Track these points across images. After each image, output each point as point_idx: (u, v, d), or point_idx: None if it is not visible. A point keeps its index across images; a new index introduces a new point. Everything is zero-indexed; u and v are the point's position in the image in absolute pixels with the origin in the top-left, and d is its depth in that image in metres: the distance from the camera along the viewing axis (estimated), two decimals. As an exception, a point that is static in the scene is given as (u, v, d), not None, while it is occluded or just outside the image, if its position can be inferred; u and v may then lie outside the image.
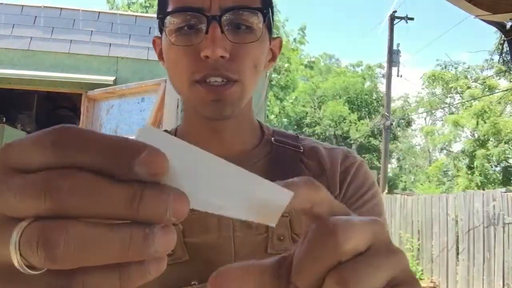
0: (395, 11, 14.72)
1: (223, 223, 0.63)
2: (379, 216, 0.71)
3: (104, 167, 0.24)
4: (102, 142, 0.24)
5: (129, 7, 14.81)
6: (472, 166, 15.11)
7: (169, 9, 0.64)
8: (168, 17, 0.64)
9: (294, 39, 14.11)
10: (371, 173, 0.75)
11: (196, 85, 0.63)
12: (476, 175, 14.69)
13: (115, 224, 0.24)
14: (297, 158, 0.72)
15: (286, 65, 12.83)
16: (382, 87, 21.22)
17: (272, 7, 0.70)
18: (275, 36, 0.75)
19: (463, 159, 16.63)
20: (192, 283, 0.60)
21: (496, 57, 14.28)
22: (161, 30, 0.68)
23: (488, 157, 14.71)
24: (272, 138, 0.74)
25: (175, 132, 0.76)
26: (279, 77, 13.22)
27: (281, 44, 0.77)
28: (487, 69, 17.73)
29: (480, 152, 14.79)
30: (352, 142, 19.57)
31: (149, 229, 0.24)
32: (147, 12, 13.81)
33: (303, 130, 19.68)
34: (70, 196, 0.23)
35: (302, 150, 0.73)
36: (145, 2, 15.31)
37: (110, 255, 0.23)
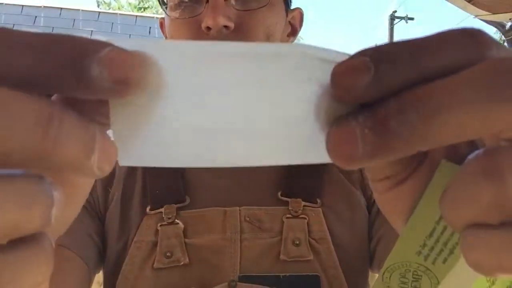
0: (395, 11, 14.73)
1: (229, 223, 0.56)
2: None
3: (34, 77, 0.14)
4: (33, 40, 0.15)
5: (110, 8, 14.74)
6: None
7: None
8: None
9: None
10: None
11: None
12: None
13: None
14: None
15: None
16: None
17: None
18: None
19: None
20: None
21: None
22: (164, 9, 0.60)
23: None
24: None
25: None
26: None
27: (302, 16, 0.66)
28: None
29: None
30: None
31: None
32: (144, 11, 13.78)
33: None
34: None
35: None
36: (139, 3, 15.28)
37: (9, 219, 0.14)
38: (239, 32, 0.53)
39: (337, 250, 0.56)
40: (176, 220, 0.56)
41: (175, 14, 0.55)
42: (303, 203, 0.57)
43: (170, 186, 0.58)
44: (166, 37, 0.63)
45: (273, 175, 0.60)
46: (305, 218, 0.56)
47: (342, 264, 0.55)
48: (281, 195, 0.57)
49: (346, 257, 0.56)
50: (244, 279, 0.53)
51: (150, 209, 0.57)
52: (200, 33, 0.53)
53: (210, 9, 0.52)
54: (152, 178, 0.59)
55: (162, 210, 0.56)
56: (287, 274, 0.53)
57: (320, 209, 0.57)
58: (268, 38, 0.56)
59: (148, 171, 0.60)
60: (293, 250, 0.54)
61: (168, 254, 0.54)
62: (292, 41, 0.66)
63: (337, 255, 0.55)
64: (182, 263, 0.54)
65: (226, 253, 0.54)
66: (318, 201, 0.58)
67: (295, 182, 0.58)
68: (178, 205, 0.57)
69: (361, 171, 0.61)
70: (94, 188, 0.60)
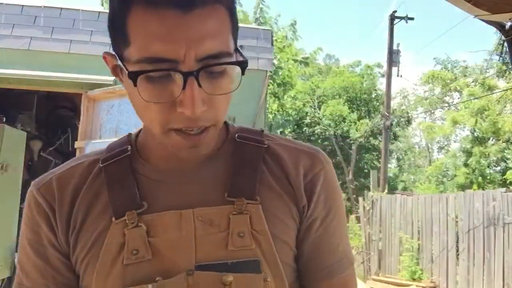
0: (395, 11, 14.71)
1: (184, 223, 0.65)
2: (343, 229, 0.75)
3: None
4: None
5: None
6: (467, 164, 15.23)
7: (132, 50, 0.57)
8: (133, 59, 0.57)
9: (285, 36, 13.93)
10: (336, 177, 0.75)
11: (171, 132, 0.61)
12: (470, 172, 14.81)
13: None
14: (260, 155, 0.71)
15: (275, 61, 12.56)
16: (380, 86, 21.13)
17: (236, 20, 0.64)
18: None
19: (459, 155, 16.71)
20: (157, 279, 0.62)
21: (495, 57, 14.26)
22: (118, 56, 0.61)
23: (485, 154, 14.79)
24: (236, 135, 0.73)
25: (135, 138, 0.74)
26: (274, 75, 13.03)
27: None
28: (487, 68, 17.70)
29: (477, 149, 14.85)
30: (352, 142, 19.48)
31: None
32: None
33: (303, 130, 19.56)
34: None
35: (266, 146, 0.72)
36: None
37: None
38: (209, 111, 0.60)
39: (274, 240, 0.66)
40: (139, 223, 0.65)
41: (143, 89, 0.58)
42: (246, 201, 0.66)
43: (127, 196, 0.67)
44: (112, 71, 0.65)
45: (219, 178, 0.69)
46: (248, 214, 0.66)
47: (279, 251, 0.66)
48: (228, 196, 0.67)
49: (281, 247, 0.67)
50: (200, 268, 0.63)
51: (115, 219, 0.66)
52: (174, 112, 0.59)
53: (189, 100, 0.56)
54: (112, 193, 0.68)
55: (125, 217, 0.65)
56: (234, 260, 0.64)
57: (260, 205, 0.67)
58: (228, 101, 0.63)
59: (109, 186, 0.69)
60: (238, 241, 0.65)
61: (134, 252, 0.64)
62: None
63: (274, 244, 0.66)
64: (146, 258, 0.64)
65: (183, 248, 0.64)
66: (258, 198, 0.67)
67: (238, 184, 0.68)
68: (138, 211, 0.66)
69: (290, 183, 0.70)
70: (50, 242, 0.69)
